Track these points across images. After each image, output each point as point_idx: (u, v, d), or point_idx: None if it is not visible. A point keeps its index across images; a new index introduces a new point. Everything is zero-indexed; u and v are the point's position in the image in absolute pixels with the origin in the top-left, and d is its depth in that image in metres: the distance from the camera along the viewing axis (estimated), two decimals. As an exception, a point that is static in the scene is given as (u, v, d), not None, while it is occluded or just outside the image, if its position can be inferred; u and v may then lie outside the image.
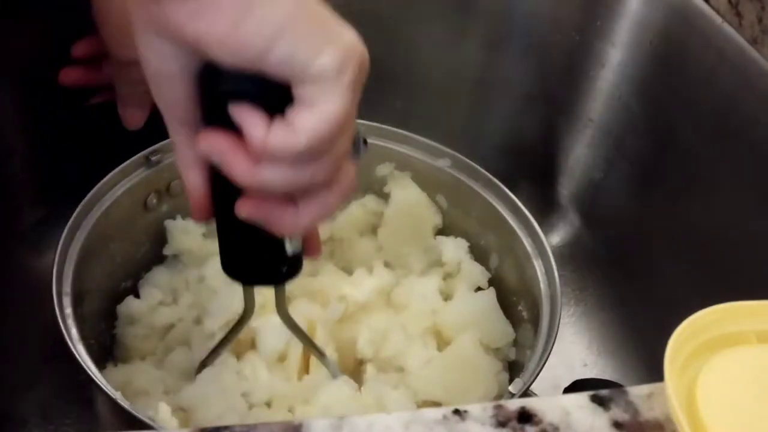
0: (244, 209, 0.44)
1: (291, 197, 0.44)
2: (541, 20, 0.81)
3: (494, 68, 0.83)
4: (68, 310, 0.57)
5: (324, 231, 0.71)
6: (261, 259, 0.50)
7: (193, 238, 0.69)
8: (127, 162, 0.66)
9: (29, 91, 0.74)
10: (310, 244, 0.51)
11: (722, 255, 0.70)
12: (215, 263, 0.67)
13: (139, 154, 0.66)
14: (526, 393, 0.57)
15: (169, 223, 0.70)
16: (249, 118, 0.41)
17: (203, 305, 0.67)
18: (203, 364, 0.62)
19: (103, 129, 0.71)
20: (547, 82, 0.84)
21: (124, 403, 0.53)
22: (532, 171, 0.87)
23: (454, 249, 0.71)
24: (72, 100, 0.72)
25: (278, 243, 0.48)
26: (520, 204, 0.67)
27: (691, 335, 0.40)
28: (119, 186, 0.65)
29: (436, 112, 0.85)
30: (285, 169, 0.41)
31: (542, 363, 0.58)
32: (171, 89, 0.43)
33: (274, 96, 0.41)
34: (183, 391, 0.61)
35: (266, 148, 0.41)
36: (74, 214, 0.62)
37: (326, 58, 0.40)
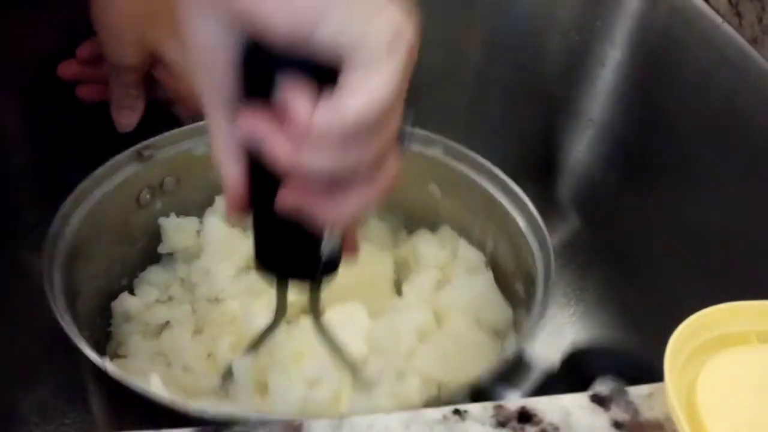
0: (285, 200, 0.42)
1: (333, 186, 0.41)
2: (541, 20, 0.81)
3: (494, 68, 0.83)
4: (61, 305, 0.56)
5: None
6: (298, 253, 0.47)
7: (188, 236, 0.69)
8: (118, 156, 0.65)
9: (29, 91, 0.74)
10: (348, 243, 0.48)
11: (722, 255, 0.70)
12: (210, 260, 0.68)
13: (130, 149, 0.65)
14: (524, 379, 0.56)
15: (163, 221, 0.69)
16: (294, 96, 0.39)
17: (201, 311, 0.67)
18: (227, 375, 0.59)
19: (103, 129, 0.71)
20: (547, 82, 0.83)
21: (116, 374, 0.51)
22: (531, 171, 0.87)
23: (439, 247, 0.71)
24: (72, 100, 0.72)
25: (317, 238, 0.46)
26: (512, 185, 0.67)
27: (691, 335, 0.40)
28: (110, 181, 0.64)
29: (435, 111, 0.84)
30: (330, 150, 0.39)
31: (540, 318, 0.57)
32: (214, 68, 0.42)
33: (321, 75, 0.39)
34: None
35: (311, 126, 0.38)
36: (59, 212, 0.61)
37: (377, 35, 0.38)
